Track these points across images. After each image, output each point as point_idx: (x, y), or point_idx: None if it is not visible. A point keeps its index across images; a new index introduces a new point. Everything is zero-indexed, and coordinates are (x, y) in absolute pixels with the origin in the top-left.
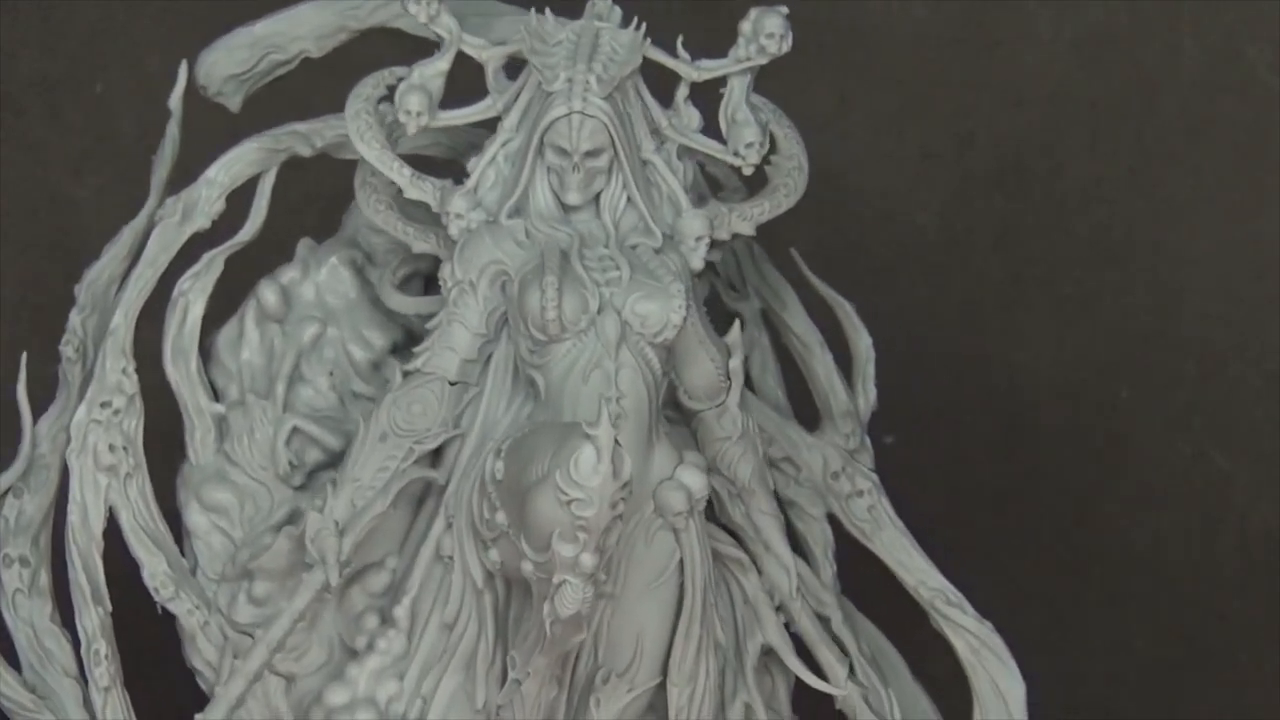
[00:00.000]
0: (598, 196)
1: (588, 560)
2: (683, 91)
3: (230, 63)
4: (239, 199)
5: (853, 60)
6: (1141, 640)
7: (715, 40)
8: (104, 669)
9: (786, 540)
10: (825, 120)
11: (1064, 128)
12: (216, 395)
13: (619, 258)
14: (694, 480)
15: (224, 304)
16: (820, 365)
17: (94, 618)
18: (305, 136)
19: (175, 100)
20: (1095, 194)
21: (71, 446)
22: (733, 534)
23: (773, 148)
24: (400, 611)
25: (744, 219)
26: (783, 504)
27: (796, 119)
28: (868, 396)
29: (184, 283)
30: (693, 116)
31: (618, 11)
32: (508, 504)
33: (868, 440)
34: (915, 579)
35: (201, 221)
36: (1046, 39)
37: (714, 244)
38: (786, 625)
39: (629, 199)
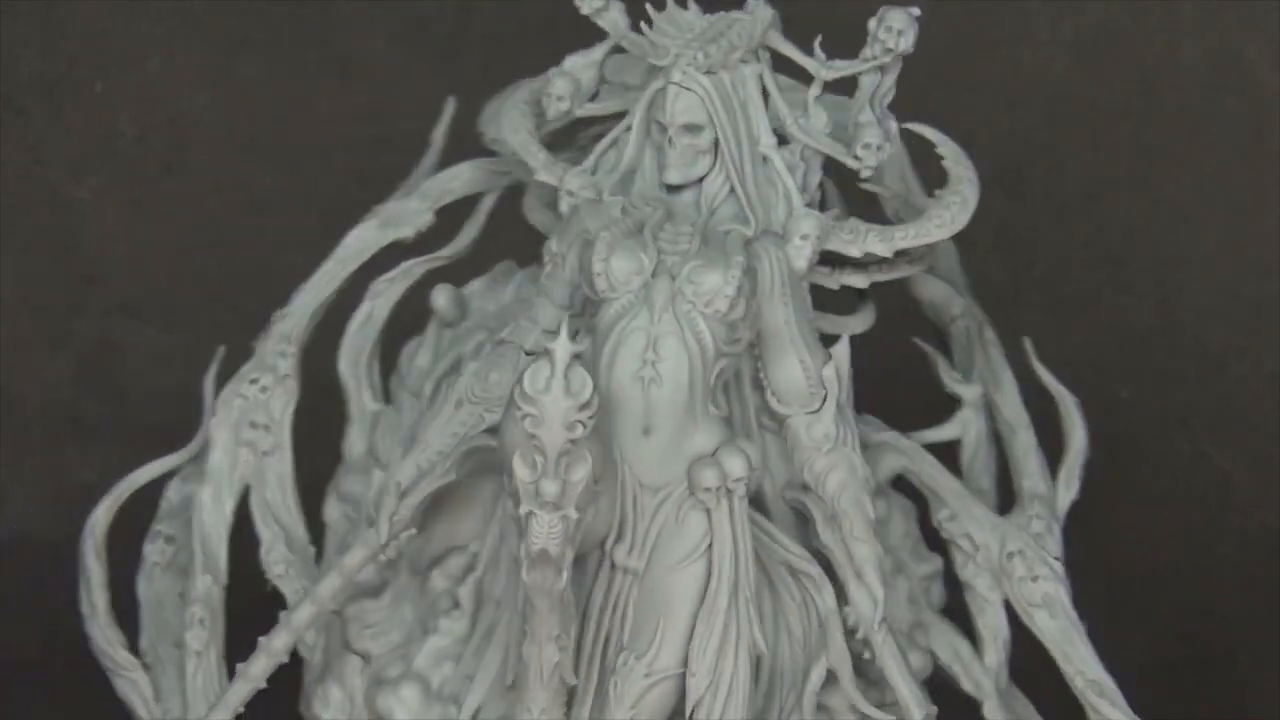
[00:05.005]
0: (702, 182)
1: (548, 487)
2: (814, 91)
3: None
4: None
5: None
6: (1141, 640)
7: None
8: (196, 633)
9: (880, 573)
10: None
11: (1064, 128)
12: (387, 399)
13: (697, 235)
14: (732, 461)
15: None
16: (1020, 447)
17: (200, 584)
18: (527, 166)
19: (438, 135)
20: (1095, 194)
21: (216, 418)
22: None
23: (943, 182)
24: (464, 592)
25: (883, 240)
26: (960, 585)
27: None
28: (1070, 488)
29: (378, 285)
30: (820, 118)
31: (765, 11)
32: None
33: (1057, 529)
34: (1074, 668)
35: (405, 231)
36: (1046, 39)
37: (850, 262)
38: (866, 659)
39: (731, 189)
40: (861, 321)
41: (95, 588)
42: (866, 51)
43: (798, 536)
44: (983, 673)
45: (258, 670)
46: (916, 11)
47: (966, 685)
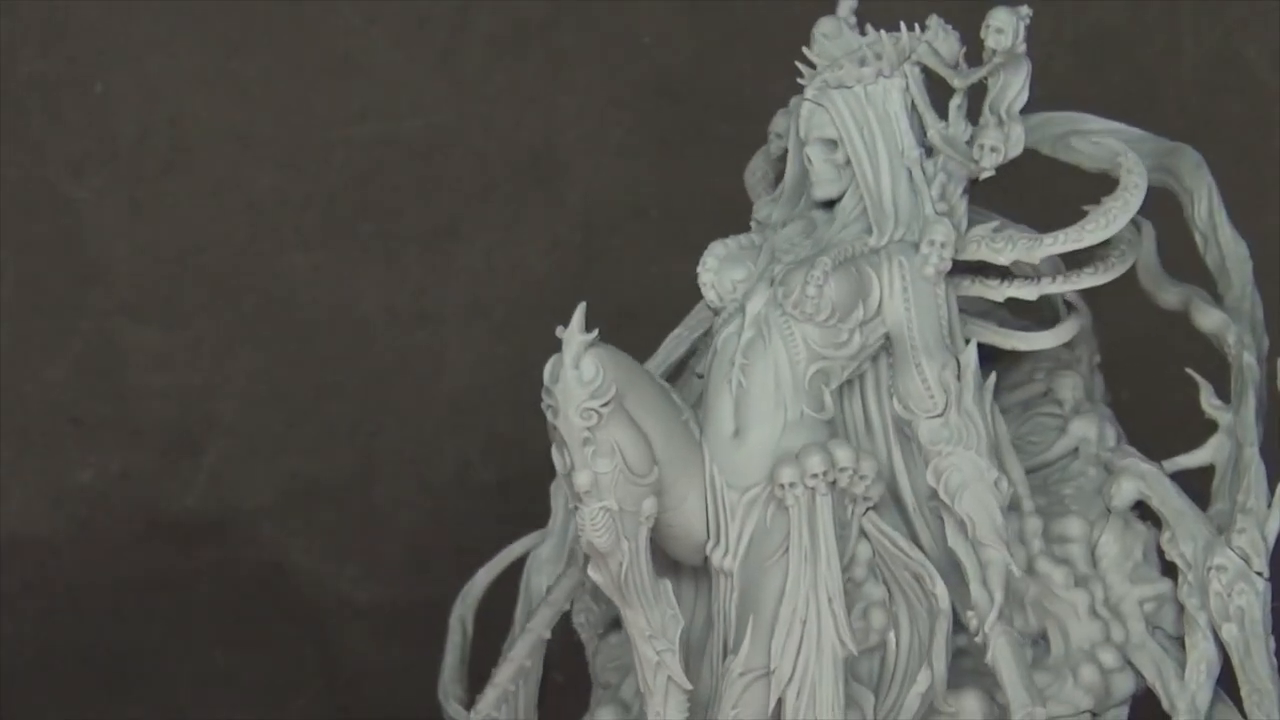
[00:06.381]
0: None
1: (578, 479)
2: (955, 100)
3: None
4: None
5: None
6: None
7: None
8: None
9: (1004, 576)
10: None
11: None
12: None
13: (814, 246)
14: (811, 458)
15: None
16: (1243, 463)
17: (514, 631)
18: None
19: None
20: (1095, 194)
21: (555, 480)
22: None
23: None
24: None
25: (1030, 247)
26: (1181, 608)
27: None
28: None
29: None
30: (959, 125)
31: (935, 31)
32: None
33: (1262, 544)
34: (1245, 677)
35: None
36: (1046, 39)
37: (1005, 273)
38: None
39: (863, 209)
40: (1052, 337)
41: (450, 648)
42: (985, 53)
43: (940, 545)
44: (1179, 692)
45: (484, 705)
46: (1026, 10)
47: (1165, 704)
